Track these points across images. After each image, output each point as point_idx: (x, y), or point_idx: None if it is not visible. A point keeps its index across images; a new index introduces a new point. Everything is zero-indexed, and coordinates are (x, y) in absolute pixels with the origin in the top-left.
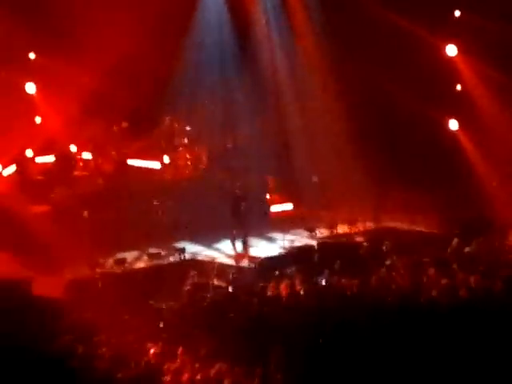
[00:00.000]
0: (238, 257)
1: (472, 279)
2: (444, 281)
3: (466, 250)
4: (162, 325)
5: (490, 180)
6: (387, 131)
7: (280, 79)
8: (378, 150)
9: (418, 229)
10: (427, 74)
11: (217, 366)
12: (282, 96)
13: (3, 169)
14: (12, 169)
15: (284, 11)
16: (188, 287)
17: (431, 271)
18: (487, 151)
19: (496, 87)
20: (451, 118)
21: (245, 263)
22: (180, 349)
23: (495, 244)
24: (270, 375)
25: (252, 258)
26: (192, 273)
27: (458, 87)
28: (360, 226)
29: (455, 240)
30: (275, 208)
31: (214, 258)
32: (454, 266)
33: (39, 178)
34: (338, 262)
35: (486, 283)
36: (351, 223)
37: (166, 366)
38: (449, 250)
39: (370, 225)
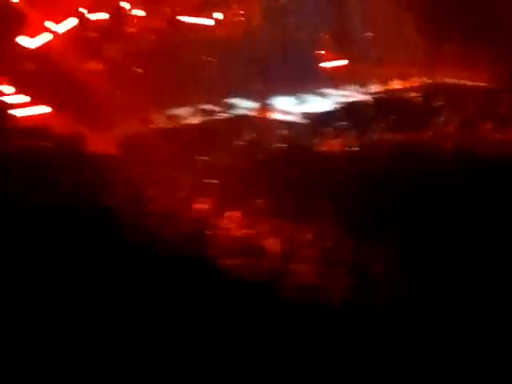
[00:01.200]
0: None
1: None
2: (498, 136)
3: None
4: (212, 182)
5: None
6: None
7: None
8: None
9: (474, 83)
10: None
11: (268, 222)
12: None
13: (55, 26)
14: (67, 26)
15: None
16: (241, 143)
17: (485, 126)
18: None
19: None
20: None
21: (298, 119)
22: (231, 204)
23: None
24: (322, 231)
25: (304, 114)
26: (243, 129)
27: None
28: (414, 82)
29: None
30: (328, 64)
31: (266, 115)
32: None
33: (92, 35)
34: (391, 116)
35: None
36: (405, 78)
37: (216, 221)
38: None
39: (424, 80)
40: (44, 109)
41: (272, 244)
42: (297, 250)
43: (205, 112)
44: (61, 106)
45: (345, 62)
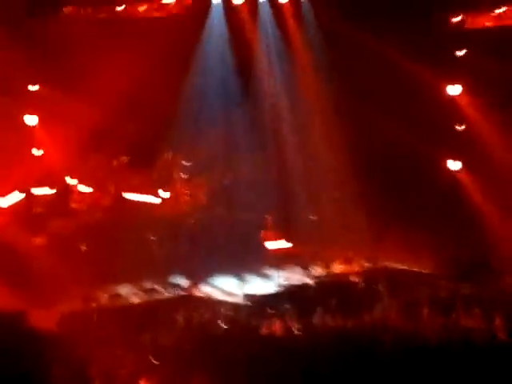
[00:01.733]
0: None
1: (468, 321)
2: (439, 322)
3: (463, 291)
4: (155, 361)
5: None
6: (387, 170)
7: (281, 116)
8: (377, 188)
9: (415, 268)
10: (429, 114)
11: None
12: (283, 133)
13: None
14: (11, 199)
15: (288, 50)
16: (182, 324)
17: (426, 312)
18: (491, 191)
19: (499, 127)
20: (453, 157)
21: (240, 299)
22: None
23: (493, 285)
24: None
25: (247, 296)
26: (186, 309)
27: (461, 127)
28: (356, 265)
29: (452, 281)
30: (271, 245)
31: (209, 295)
32: (450, 307)
33: (37, 209)
34: (333, 301)
35: (483, 325)
36: (347, 262)
37: None
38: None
39: (366, 263)
40: None
41: None
42: None
43: (147, 291)
44: (1, 281)
45: (288, 243)
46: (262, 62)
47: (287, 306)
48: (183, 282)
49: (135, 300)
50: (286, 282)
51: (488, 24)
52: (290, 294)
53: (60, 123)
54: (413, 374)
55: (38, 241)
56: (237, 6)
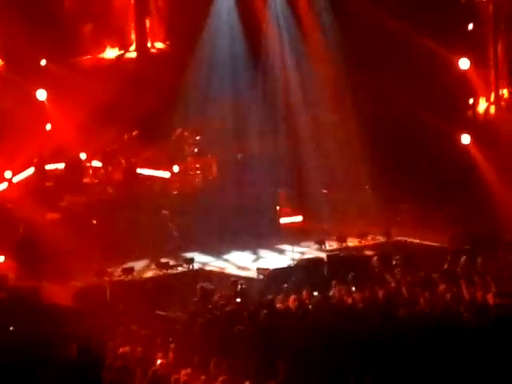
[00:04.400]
0: None
1: (480, 295)
2: (452, 295)
3: (476, 265)
4: (169, 335)
5: (502, 194)
6: (399, 145)
7: (292, 91)
8: (389, 164)
9: (428, 243)
10: (440, 88)
11: (224, 379)
12: (294, 108)
13: (13, 175)
14: (23, 175)
15: (296, 22)
16: (196, 298)
17: (439, 285)
18: (499, 165)
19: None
20: (463, 132)
21: (254, 274)
22: (188, 360)
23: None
24: None
25: (261, 270)
26: (200, 283)
27: (471, 101)
28: (370, 240)
29: (464, 257)
30: (285, 220)
31: (222, 269)
32: (463, 281)
33: (49, 184)
34: (348, 275)
35: (498, 300)
36: (361, 236)
37: (173, 377)
38: (459, 266)
39: (380, 238)
40: None
41: None
42: None
43: (160, 265)
44: (15, 255)
45: (301, 218)
46: (272, 36)
47: (302, 280)
48: (196, 256)
49: (148, 274)
50: (299, 257)
51: None
52: (305, 268)
53: (70, 98)
54: (427, 348)
55: (51, 216)
56: None
